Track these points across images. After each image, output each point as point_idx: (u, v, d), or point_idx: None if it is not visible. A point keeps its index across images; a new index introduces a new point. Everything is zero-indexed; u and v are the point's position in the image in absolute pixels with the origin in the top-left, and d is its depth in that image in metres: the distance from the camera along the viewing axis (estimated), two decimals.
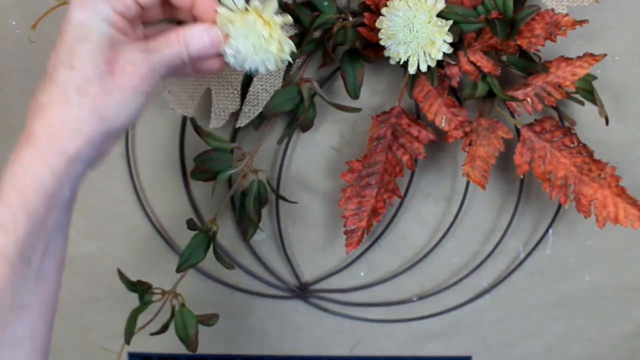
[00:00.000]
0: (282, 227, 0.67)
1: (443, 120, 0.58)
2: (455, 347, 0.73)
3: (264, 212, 0.65)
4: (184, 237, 0.69)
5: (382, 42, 0.54)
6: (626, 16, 0.59)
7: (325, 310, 0.71)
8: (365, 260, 0.69)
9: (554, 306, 0.70)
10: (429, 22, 0.52)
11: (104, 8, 0.42)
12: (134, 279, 0.60)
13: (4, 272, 0.38)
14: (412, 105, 0.62)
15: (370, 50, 0.57)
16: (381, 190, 0.60)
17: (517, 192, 0.65)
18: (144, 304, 0.59)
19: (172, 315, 0.60)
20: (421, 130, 0.59)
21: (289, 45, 0.47)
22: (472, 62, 0.57)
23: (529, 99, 0.58)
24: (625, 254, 0.68)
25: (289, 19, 0.47)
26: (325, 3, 0.55)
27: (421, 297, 0.70)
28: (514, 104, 0.58)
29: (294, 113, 0.59)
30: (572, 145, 0.58)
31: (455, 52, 0.55)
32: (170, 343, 0.62)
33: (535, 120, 0.58)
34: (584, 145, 0.57)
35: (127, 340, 0.59)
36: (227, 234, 0.69)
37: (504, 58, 0.57)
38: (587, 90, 0.58)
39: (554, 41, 0.54)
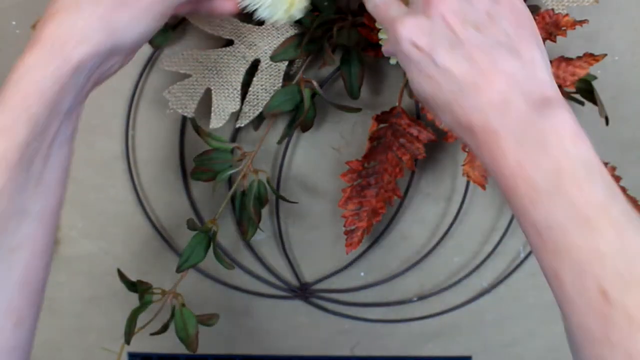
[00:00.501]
0: (282, 227, 0.68)
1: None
2: (455, 347, 0.73)
3: (264, 212, 0.65)
4: (183, 237, 0.69)
5: (382, 44, 0.54)
6: (626, 16, 0.60)
7: (325, 310, 0.71)
8: (366, 260, 0.69)
9: (554, 306, 0.69)
10: None
11: None
12: (134, 279, 0.60)
13: (2, 175, 0.37)
14: (412, 105, 0.62)
15: (370, 50, 0.57)
16: (381, 191, 0.60)
17: None
18: (144, 304, 0.59)
19: (172, 315, 0.60)
20: (421, 130, 0.59)
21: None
22: None
23: None
24: None
25: None
26: (325, 3, 0.55)
27: (421, 297, 0.70)
28: None
29: (294, 113, 0.59)
30: None
31: None
32: (170, 343, 0.62)
33: None
34: None
35: (127, 341, 0.59)
36: (227, 234, 0.69)
37: None
38: (587, 91, 0.58)
39: (554, 41, 0.54)
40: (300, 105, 0.58)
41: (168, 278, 0.63)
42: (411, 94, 0.58)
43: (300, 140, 0.65)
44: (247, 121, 0.59)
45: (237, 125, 0.60)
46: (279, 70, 0.58)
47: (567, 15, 0.54)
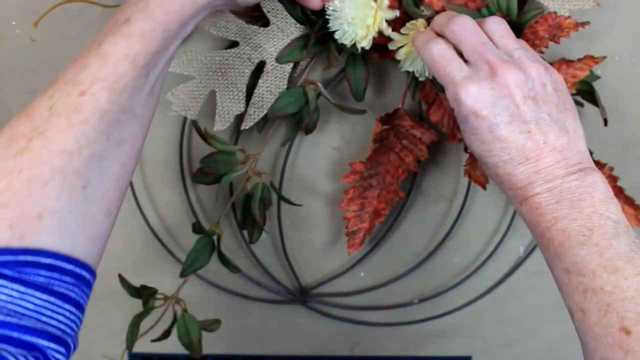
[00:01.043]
0: (283, 229, 0.67)
1: (446, 124, 0.59)
2: (455, 347, 0.74)
3: None
4: (182, 239, 0.69)
5: (397, 57, 0.56)
6: (626, 17, 0.60)
7: (325, 314, 0.71)
8: (366, 261, 0.69)
9: (554, 306, 0.70)
10: None
11: None
12: (134, 279, 0.60)
13: (130, 74, 0.42)
14: (415, 107, 0.62)
15: (375, 52, 0.57)
16: (383, 192, 0.60)
17: None
18: (147, 309, 0.59)
19: (174, 320, 0.59)
20: (424, 131, 0.59)
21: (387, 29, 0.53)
22: None
23: None
24: None
25: (395, 14, 0.53)
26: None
27: (422, 300, 0.70)
28: None
29: (299, 115, 0.59)
30: None
31: None
32: (170, 343, 0.62)
33: None
34: None
35: (130, 347, 0.58)
36: (225, 237, 0.68)
37: None
38: (588, 92, 0.58)
39: (558, 43, 0.55)
40: (305, 107, 0.58)
41: (168, 279, 0.63)
42: (415, 96, 0.58)
43: (302, 142, 0.65)
44: (252, 123, 0.59)
45: (242, 128, 0.59)
46: (284, 72, 0.58)
47: (569, 17, 0.54)
